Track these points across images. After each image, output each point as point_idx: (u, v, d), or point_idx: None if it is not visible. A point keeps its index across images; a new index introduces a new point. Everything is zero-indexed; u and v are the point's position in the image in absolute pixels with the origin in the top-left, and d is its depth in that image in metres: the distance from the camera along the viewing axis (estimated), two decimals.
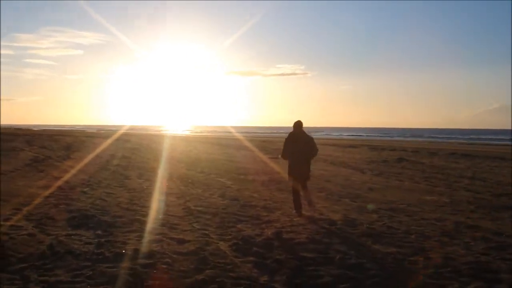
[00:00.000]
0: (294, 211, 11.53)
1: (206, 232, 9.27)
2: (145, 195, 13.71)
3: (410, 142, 73.64)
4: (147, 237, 8.76)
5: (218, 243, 8.46)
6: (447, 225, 10.45)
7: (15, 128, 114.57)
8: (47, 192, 13.45)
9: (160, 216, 10.69)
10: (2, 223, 9.49)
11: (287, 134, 12.01)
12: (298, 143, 11.68)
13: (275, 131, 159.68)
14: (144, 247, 8.01)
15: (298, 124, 11.90)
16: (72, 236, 8.62)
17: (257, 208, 12.14)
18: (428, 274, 7.01)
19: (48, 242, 8.10)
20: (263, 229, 9.66)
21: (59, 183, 15.46)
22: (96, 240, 8.38)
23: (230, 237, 8.94)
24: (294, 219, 10.76)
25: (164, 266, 7.01)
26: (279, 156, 12.82)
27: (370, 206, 12.34)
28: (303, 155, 11.76)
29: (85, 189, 14.28)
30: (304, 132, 11.92)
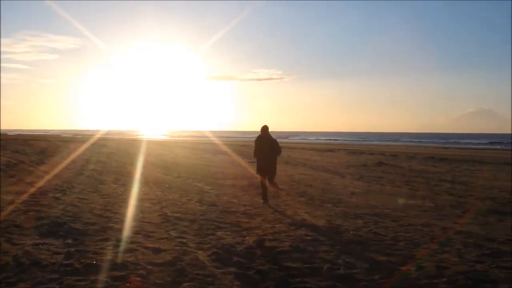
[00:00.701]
0: (262, 201, 13.45)
1: (184, 240, 8.74)
2: (120, 200, 13.14)
3: (388, 146, 74.02)
4: (120, 246, 8.20)
5: (196, 252, 7.92)
6: (435, 231, 10.10)
7: None
8: (16, 199, 12.81)
9: (135, 223, 10.14)
10: None
11: (256, 137, 14.05)
12: (264, 144, 13.76)
13: (253, 136, 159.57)
14: (117, 257, 7.45)
15: (265, 128, 13.89)
16: (40, 246, 8.02)
17: (237, 214, 11.66)
18: (422, 285, 6.58)
19: (14, 253, 7.52)
20: (244, 236, 9.15)
21: (31, 189, 14.81)
22: (65, 250, 7.78)
23: (209, 245, 8.40)
24: (276, 225, 10.28)
25: (138, 279, 6.45)
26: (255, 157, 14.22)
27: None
28: (269, 154, 13.73)
29: (57, 195, 13.66)
30: (269, 135, 13.84)
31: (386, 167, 27.15)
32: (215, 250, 8.05)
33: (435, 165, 29.72)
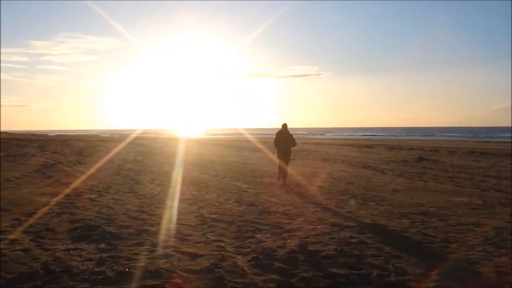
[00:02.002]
0: (280, 180, 17.34)
1: (222, 244, 8.27)
2: (156, 201, 12.78)
3: (426, 141, 72.92)
4: (155, 251, 7.79)
5: (235, 257, 7.45)
6: (487, 231, 9.47)
7: (29, 134, 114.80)
8: (51, 200, 12.57)
9: (171, 226, 9.73)
10: None
11: (275, 133, 17.99)
12: (283, 137, 17.63)
13: (293, 133, 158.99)
14: (151, 264, 7.03)
15: (284, 125, 17.74)
16: (72, 251, 7.66)
17: (277, 214, 11.17)
18: None
19: (44, 259, 7.18)
20: (285, 239, 8.64)
21: (66, 189, 14.60)
22: (97, 256, 7.41)
23: (248, 249, 7.93)
24: (318, 227, 9.76)
25: None
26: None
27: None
28: (286, 145, 17.61)
29: (92, 196, 13.40)
30: (287, 131, 17.66)
31: (427, 163, 26.46)
32: (255, 254, 7.57)
33: (477, 159, 28.93)
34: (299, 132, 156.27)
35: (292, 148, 17.90)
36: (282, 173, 17.32)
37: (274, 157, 19.21)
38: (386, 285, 6.25)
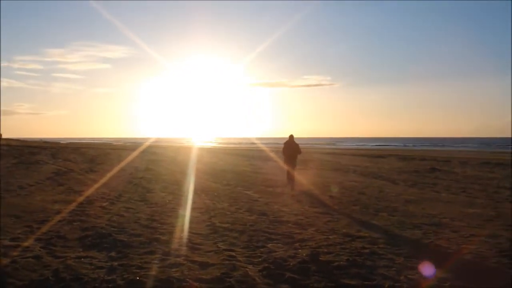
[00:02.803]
0: (288, 185, 19.09)
1: (233, 253, 8.23)
2: (167, 210, 12.77)
3: (438, 151, 72.28)
4: (166, 260, 7.76)
5: (246, 267, 7.40)
6: (502, 242, 9.36)
7: (43, 142, 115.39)
8: (63, 208, 12.59)
9: (182, 235, 9.70)
10: (8, 243, 8.61)
11: (283, 143, 20.57)
12: (290, 147, 19.97)
13: (302, 142, 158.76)
14: (162, 272, 7.00)
15: (291, 136, 20.11)
16: (82, 259, 7.65)
17: (288, 224, 11.12)
18: None
19: (55, 266, 7.16)
20: (296, 249, 8.59)
21: (78, 197, 14.62)
22: (108, 264, 7.39)
23: (259, 259, 7.88)
24: (330, 237, 9.70)
25: None
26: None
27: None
28: (292, 154, 19.91)
29: (104, 204, 13.41)
30: (293, 141, 19.94)
31: (440, 173, 26.30)
32: (266, 264, 7.52)
33: (491, 170, 28.64)
34: (307, 142, 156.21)
35: (298, 156, 20.29)
36: (290, 177, 19.42)
37: (283, 164, 20.51)
38: None
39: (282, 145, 20.17)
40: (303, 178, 22.31)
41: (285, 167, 20.04)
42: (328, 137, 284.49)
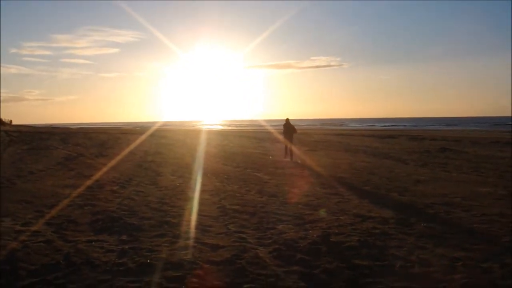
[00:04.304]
0: (286, 158, 23.22)
1: (243, 235, 8.21)
2: (177, 193, 12.77)
3: (449, 131, 71.97)
4: (176, 242, 7.76)
5: (256, 248, 7.38)
6: None
7: (52, 127, 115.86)
8: (74, 192, 12.63)
9: (192, 217, 9.70)
10: (19, 228, 8.64)
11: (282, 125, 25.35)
12: (287, 127, 24.58)
13: (312, 123, 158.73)
14: (173, 255, 7.00)
15: (287, 119, 24.83)
16: (93, 243, 7.67)
17: (299, 205, 11.07)
18: (509, 285, 5.86)
19: (66, 250, 7.18)
20: (307, 230, 8.56)
21: (88, 182, 14.65)
22: (119, 247, 7.40)
23: (270, 241, 7.86)
24: (341, 217, 9.65)
25: (195, 280, 5.96)
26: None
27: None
28: (289, 133, 24.37)
29: (114, 188, 13.44)
30: (290, 123, 24.62)
31: (450, 153, 26.15)
32: (277, 246, 7.50)
33: (501, 149, 28.46)
34: (316, 124, 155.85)
35: (295, 135, 24.78)
36: (289, 151, 23.65)
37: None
38: (410, 276, 6.15)
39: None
40: (313, 159, 22.30)
41: (284, 142, 24.61)
42: (338, 118, 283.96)
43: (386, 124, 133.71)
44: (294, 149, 24.51)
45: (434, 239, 7.94)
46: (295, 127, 25.00)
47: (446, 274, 6.24)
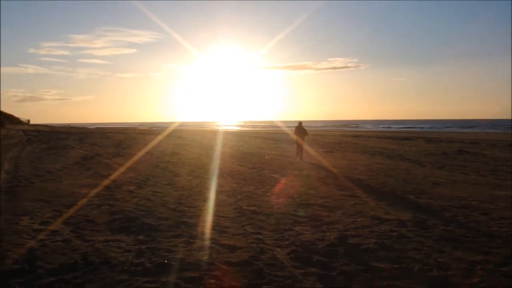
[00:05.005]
0: (297, 157, 24.39)
1: (260, 236, 8.20)
2: (194, 193, 12.79)
3: (465, 133, 71.36)
4: (193, 243, 7.76)
5: (274, 250, 7.37)
6: None
7: (70, 127, 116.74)
8: (91, 192, 12.69)
9: (209, 218, 9.70)
10: (37, 227, 8.69)
11: (294, 127, 26.43)
12: (299, 130, 25.59)
13: (328, 125, 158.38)
14: (190, 256, 7.01)
15: (300, 122, 26.16)
16: (111, 243, 7.70)
17: (315, 206, 11.05)
18: None
19: (83, 250, 7.21)
20: (324, 232, 8.54)
21: (106, 181, 14.73)
22: (136, 247, 7.42)
23: (287, 242, 7.85)
24: (358, 219, 9.61)
25: (212, 281, 5.95)
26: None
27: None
28: (301, 136, 25.36)
29: (131, 188, 13.49)
30: (302, 126, 25.82)
31: (468, 155, 25.91)
32: (294, 247, 7.48)
33: None
34: (331, 125, 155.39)
35: (306, 137, 26.09)
36: (299, 150, 24.91)
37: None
38: (428, 280, 6.10)
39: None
40: (329, 161, 22.23)
41: (296, 143, 25.94)
42: (354, 119, 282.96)
43: (402, 126, 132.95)
44: (309, 149, 26.90)
45: (452, 242, 7.89)
46: (307, 130, 26.64)
47: (465, 278, 6.19)
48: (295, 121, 28.22)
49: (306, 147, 27.59)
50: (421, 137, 48.66)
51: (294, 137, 26.38)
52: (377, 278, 6.15)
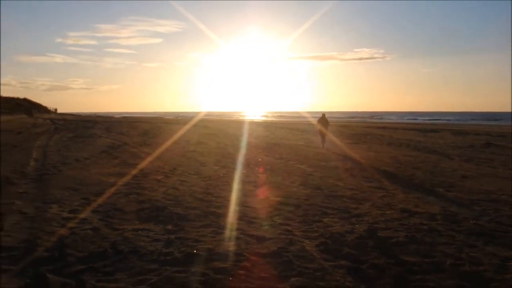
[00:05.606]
0: (322, 144, 25.70)
1: (289, 228, 8.15)
2: (221, 183, 12.78)
3: (492, 126, 70.29)
4: (222, 233, 7.75)
5: (303, 241, 7.31)
6: None
7: (96, 116, 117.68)
8: (119, 180, 12.75)
9: (237, 208, 9.68)
10: (66, 215, 8.75)
11: (319, 118, 27.86)
12: (322, 121, 26.97)
13: (353, 116, 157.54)
14: (219, 246, 6.99)
15: (323, 114, 28.04)
16: (139, 232, 7.71)
17: (343, 198, 10.95)
18: None
19: (113, 238, 7.23)
20: (353, 224, 8.46)
21: (133, 170, 14.78)
22: (165, 237, 7.43)
23: (316, 234, 7.78)
24: (387, 212, 9.50)
25: (242, 272, 5.92)
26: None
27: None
28: (324, 126, 26.69)
29: (158, 177, 13.52)
30: (325, 117, 27.41)
31: (495, 148, 25.50)
32: (323, 239, 7.42)
33: None
34: (357, 116, 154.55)
35: (328, 127, 27.70)
36: (323, 140, 26.10)
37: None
38: (460, 275, 6.00)
39: (332, 119, 22.94)
40: (356, 152, 22.07)
41: (320, 133, 27.13)
42: (379, 111, 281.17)
43: (429, 118, 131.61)
44: (335, 140, 28.98)
45: (483, 237, 7.76)
46: (330, 121, 29.43)
47: (498, 273, 6.08)
48: (320, 112, 28.60)
49: (331, 137, 28.45)
50: (448, 129, 48.13)
51: (318, 127, 27.85)
52: (408, 272, 6.06)
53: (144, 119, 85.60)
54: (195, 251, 6.69)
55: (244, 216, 8.94)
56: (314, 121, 30.54)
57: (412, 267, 6.23)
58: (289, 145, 26.52)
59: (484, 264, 6.40)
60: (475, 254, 6.85)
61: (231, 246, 7.00)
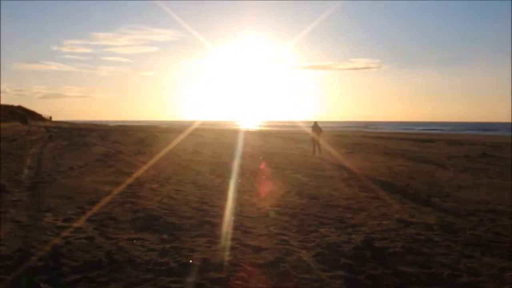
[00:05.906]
0: (314, 154, 26.65)
1: (285, 238, 8.10)
2: (217, 192, 12.73)
3: (487, 136, 70.48)
4: (218, 243, 7.69)
5: (300, 252, 7.26)
6: None
7: (91, 124, 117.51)
8: (114, 189, 12.68)
9: (233, 218, 9.63)
10: (61, 224, 8.68)
11: (311, 126, 28.83)
12: (315, 129, 27.92)
13: (350, 125, 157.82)
14: (215, 256, 6.93)
15: (315, 122, 28.45)
16: (134, 241, 7.65)
17: (340, 208, 10.91)
18: None
19: (107, 248, 7.17)
20: (350, 234, 8.41)
21: (128, 179, 14.71)
22: (160, 246, 7.37)
23: (313, 244, 7.73)
24: (383, 222, 9.48)
25: (238, 283, 5.87)
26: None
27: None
28: (316, 133, 27.68)
29: (153, 186, 13.47)
30: (317, 125, 28.15)
31: (491, 159, 25.51)
32: (320, 249, 7.37)
33: None
34: (351, 126, 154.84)
35: (321, 134, 28.60)
36: (317, 147, 27.30)
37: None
38: (459, 286, 5.96)
39: (326, 128, 23.24)
40: (351, 162, 22.06)
41: (312, 140, 28.24)
42: (375, 120, 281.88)
43: (424, 128, 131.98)
44: (330, 150, 29.43)
45: (480, 248, 7.74)
46: (323, 130, 30.03)
47: (496, 284, 6.05)
48: (318, 122, 28.54)
49: (326, 147, 29.14)
50: (443, 139, 48.20)
51: (311, 134, 28.93)
52: (405, 282, 6.02)
53: (139, 128, 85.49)
54: (190, 261, 6.63)
55: (240, 226, 8.89)
56: (309, 130, 30.49)
57: (409, 278, 6.19)
58: (284, 154, 26.50)
59: (482, 275, 6.37)
60: (472, 264, 6.82)
61: (227, 256, 6.95)
